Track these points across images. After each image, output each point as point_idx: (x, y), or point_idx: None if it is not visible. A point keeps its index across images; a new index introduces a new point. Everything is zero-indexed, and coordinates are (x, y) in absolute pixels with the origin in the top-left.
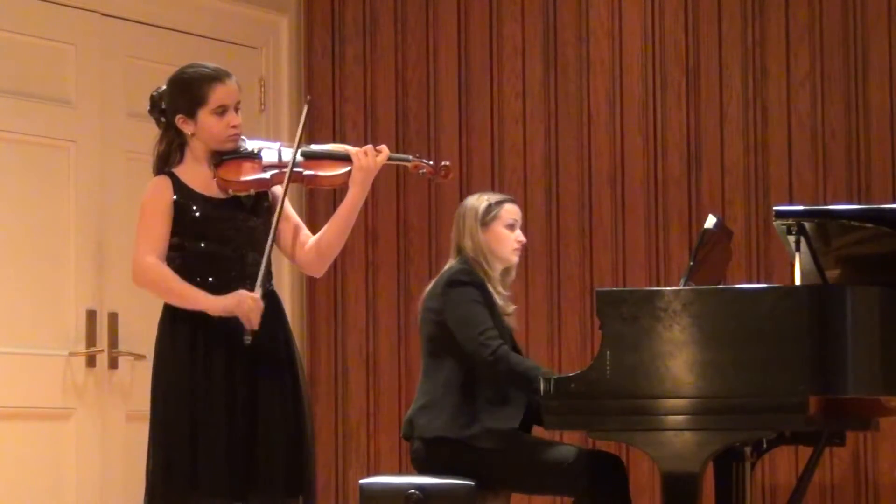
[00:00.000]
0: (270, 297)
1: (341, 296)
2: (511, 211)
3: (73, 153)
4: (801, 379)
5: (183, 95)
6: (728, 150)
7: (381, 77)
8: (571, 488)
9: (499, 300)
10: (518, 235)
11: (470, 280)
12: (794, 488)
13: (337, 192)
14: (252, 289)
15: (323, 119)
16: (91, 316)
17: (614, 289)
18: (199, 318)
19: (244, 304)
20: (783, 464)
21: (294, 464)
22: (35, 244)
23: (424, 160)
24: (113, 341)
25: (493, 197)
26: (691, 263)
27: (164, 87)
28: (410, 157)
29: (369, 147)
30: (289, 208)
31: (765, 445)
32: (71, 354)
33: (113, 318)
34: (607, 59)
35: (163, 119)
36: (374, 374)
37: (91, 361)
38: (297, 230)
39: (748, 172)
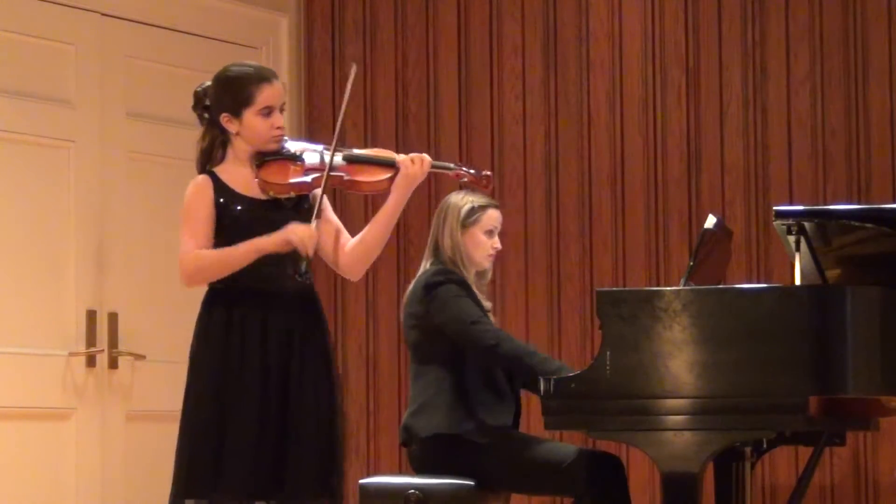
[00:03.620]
0: (309, 295)
1: (341, 296)
2: (493, 217)
3: (73, 153)
4: (801, 379)
5: (229, 94)
6: (728, 150)
7: (381, 77)
8: (571, 488)
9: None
10: (495, 242)
11: (447, 278)
12: (794, 488)
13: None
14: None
15: (323, 119)
16: (91, 316)
17: (614, 289)
18: (234, 314)
19: (298, 231)
20: (783, 464)
21: (324, 465)
22: (35, 244)
23: (465, 168)
24: (113, 341)
25: (478, 200)
26: (691, 263)
27: (209, 83)
28: (452, 164)
29: (416, 155)
30: (329, 211)
31: (765, 445)
32: (71, 354)
33: (113, 318)
34: (607, 59)
35: (206, 116)
36: (374, 374)
37: (91, 361)
38: (338, 233)
39: (748, 172)
